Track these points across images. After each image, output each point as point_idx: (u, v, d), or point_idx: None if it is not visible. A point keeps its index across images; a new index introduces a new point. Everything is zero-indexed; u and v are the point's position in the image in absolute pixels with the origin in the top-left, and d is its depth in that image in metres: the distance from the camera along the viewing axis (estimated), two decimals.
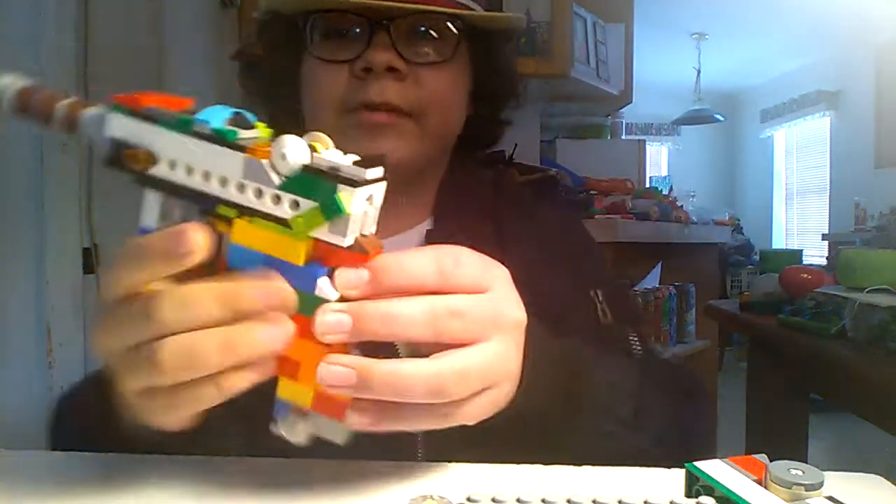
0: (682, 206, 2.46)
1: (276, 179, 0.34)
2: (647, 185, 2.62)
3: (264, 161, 0.34)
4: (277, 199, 0.34)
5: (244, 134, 0.35)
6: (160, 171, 0.36)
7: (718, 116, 5.33)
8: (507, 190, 0.73)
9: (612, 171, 2.19)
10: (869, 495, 0.39)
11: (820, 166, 5.49)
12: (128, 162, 0.36)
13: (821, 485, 0.34)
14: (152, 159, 0.36)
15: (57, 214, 1.18)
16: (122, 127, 0.37)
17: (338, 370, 0.33)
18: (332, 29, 0.61)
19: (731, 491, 0.35)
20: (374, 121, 0.60)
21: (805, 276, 1.52)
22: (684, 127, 5.93)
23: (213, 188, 0.35)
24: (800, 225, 5.97)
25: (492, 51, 0.68)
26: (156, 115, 0.36)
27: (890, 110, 4.30)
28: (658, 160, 6.58)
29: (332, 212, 0.33)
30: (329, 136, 0.60)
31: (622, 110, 2.55)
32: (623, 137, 3.18)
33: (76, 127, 0.38)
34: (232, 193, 0.34)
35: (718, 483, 0.35)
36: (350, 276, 0.34)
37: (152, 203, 0.36)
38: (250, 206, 0.34)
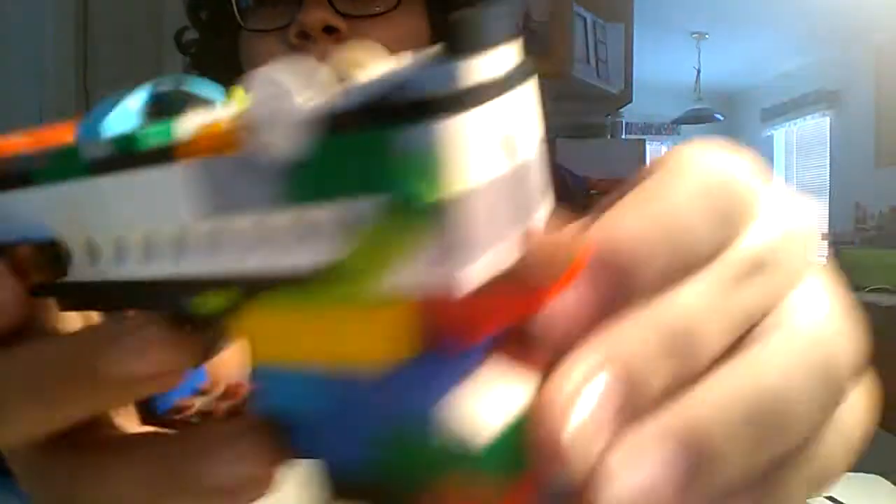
0: None
1: (270, 183, 0.13)
2: None
3: (229, 155, 0.13)
4: (295, 232, 0.13)
5: (195, 119, 0.14)
6: (77, 272, 0.16)
7: (718, 116, 5.34)
8: None
9: (612, 171, 2.19)
10: (869, 495, 0.39)
11: (820, 166, 5.49)
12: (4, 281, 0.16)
13: None
14: (59, 257, 0.16)
15: None
16: None
17: None
18: None
19: None
20: None
21: None
22: (684, 126, 5.93)
23: (166, 264, 0.15)
24: None
25: None
26: (26, 164, 0.16)
27: (890, 110, 4.30)
28: None
29: (413, 205, 0.11)
30: None
31: (622, 110, 2.55)
32: (623, 137, 3.18)
33: None
34: (197, 260, 0.14)
35: None
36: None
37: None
38: (247, 272, 0.14)
